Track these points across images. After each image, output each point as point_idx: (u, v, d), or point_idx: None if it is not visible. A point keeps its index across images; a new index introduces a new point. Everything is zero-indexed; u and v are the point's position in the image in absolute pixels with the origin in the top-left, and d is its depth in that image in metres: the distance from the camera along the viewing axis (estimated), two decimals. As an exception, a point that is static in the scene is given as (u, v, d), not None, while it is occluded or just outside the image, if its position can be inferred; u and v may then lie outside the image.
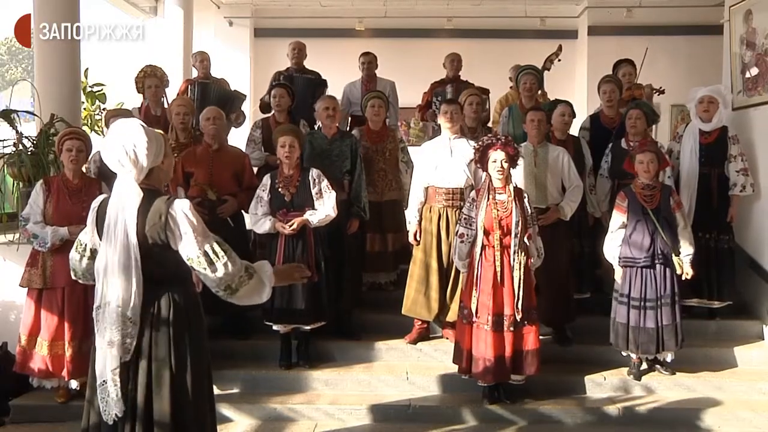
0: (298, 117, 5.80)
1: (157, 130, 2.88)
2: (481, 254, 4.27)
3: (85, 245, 2.85)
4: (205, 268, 2.63)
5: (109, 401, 2.65)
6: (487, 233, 4.25)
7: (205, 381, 2.86)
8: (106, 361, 2.66)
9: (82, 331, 4.17)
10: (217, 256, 2.64)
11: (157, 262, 2.66)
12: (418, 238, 4.86)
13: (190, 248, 2.63)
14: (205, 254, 2.63)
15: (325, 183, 4.64)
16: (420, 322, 4.99)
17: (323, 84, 6.42)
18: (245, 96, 6.48)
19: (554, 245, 4.62)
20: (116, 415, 2.65)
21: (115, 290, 2.63)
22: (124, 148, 2.64)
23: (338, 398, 4.54)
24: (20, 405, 4.42)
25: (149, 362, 2.67)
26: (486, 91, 6.14)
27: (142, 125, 2.73)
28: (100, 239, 2.75)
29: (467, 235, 4.35)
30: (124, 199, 2.65)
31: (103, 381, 2.66)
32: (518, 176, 4.70)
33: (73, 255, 2.89)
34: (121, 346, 2.63)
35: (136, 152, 2.64)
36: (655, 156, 4.55)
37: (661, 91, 6.20)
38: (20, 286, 4.35)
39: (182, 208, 2.65)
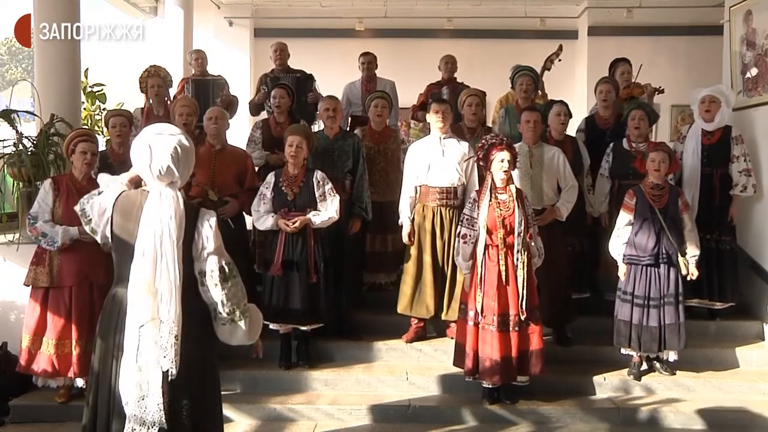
0: (297, 116, 5.80)
1: None
2: (484, 254, 4.27)
3: (90, 219, 2.78)
4: (216, 285, 2.65)
5: (151, 415, 2.56)
6: (489, 232, 4.25)
7: (216, 389, 2.88)
8: (146, 377, 2.56)
9: (89, 329, 4.11)
10: (232, 273, 2.68)
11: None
12: (412, 239, 4.86)
13: (210, 261, 2.64)
14: (221, 270, 2.65)
15: (329, 186, 4.64)
16: (417, 321, 4.99)
17: (310, 78, 6.40)
18: (224, 78, 6.54)
19: (552, 245, 4.62)
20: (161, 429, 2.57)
21: (167, 307, 2.55)
22: (176, 147, 2.62)
23: (338, 398, 4.54)
24: (20, 405, 4.41)
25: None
26: (483, 94, 6.12)
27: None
28: (111, 232, 2.70)
29: (470, 235, 4.34)
30: (171, 211, 2.57)
31: (142, 397, 2.56)
32: (514, 177, 4.70)
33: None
34: (173, 361, 2.58)
35: (188, 157, 2.67)
36: (667, 156, 4.56)
37: (661, 91, 6.19)
38: (25, 285, 4.32)
39: (209, 221, 2.66)
